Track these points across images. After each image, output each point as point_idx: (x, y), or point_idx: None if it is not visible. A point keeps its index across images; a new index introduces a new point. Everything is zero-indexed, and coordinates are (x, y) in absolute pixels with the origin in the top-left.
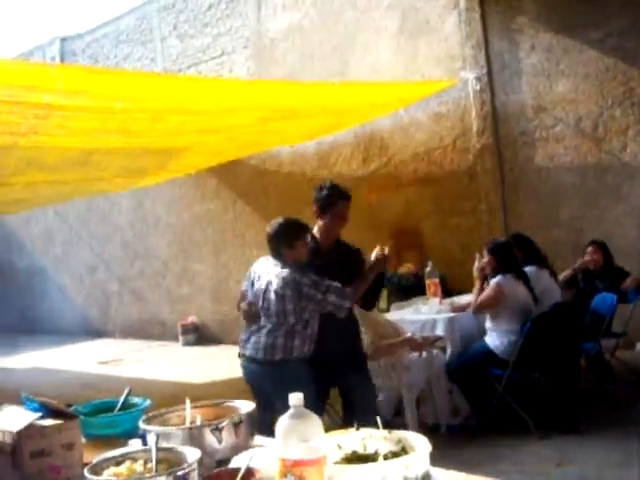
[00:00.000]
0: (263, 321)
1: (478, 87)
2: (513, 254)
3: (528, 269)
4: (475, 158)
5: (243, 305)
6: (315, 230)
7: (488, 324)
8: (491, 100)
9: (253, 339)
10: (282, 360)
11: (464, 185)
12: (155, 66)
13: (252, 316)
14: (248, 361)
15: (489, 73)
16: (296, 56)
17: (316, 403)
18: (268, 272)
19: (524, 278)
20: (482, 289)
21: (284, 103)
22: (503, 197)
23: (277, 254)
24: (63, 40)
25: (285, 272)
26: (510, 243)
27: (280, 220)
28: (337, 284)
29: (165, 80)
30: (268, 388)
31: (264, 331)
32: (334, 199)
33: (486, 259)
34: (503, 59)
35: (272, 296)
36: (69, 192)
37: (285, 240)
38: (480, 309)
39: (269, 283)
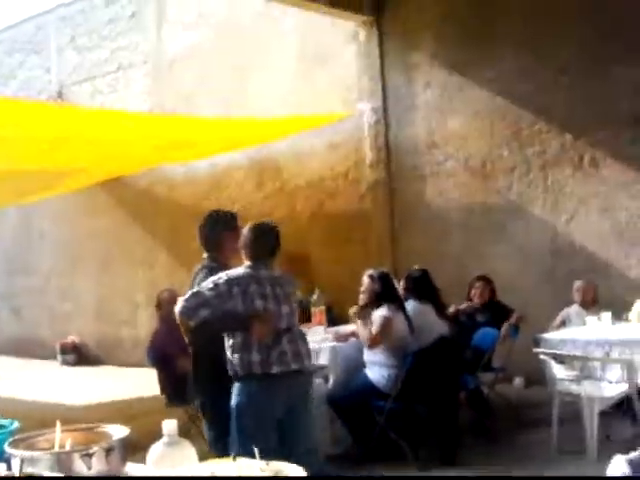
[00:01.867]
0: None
1: (373, 119)
2: (393, 284)
3: (414, 303)
4: (367, 189)
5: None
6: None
7: (367, 357)
8: (385, 133)
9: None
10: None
11: (355, 215)
12: (49, 77)
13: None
14: (292, 376)
15: (384, 106)
16: (194, 76)
17: None
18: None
19: (403, 308)
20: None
21: (179, 134)
22: (393, 229)
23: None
24: None
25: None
26: (387, 274)
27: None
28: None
29: (58, 110)
30: (303, 404)
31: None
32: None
33: (366, 287)
34: (399, 93)
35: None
36: None
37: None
38: (376, 343)
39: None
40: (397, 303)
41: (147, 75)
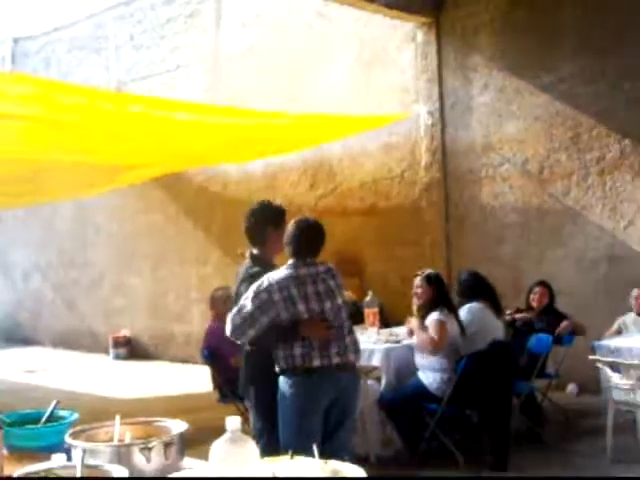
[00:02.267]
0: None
1: (430, 121)
2: (446, 287)
3: (473, 304)
4: (422, 191)
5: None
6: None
7: (419, 361)
8: (441, 135)
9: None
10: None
11: (409, 217)
12: (108, 75)
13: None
14: (335, 370)
15: (441, 108)
16: (251, 76)
17: None
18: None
19: (455, 312)
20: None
21: (235, 131)
22: (447, 231)
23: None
24: (15, 40)
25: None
26: (439, 276)
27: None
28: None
29: (118, 98)
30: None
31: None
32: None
33: (420, 289)
34: (456, 95)
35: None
36: (11, 203)
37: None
38: (439, 347)
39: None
40: (450, 307)
41: (204, 74)
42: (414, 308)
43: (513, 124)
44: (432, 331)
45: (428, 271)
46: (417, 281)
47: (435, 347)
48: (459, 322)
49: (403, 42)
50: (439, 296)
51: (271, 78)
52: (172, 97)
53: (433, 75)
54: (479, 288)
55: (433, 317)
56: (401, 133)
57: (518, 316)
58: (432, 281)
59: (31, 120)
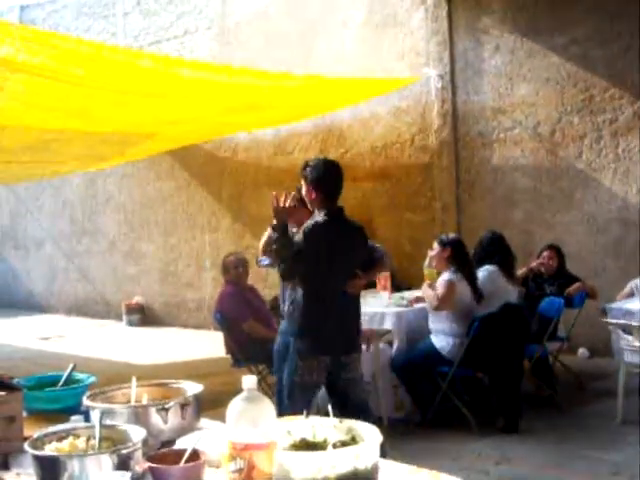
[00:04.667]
0: None
1: (440, 85)
2: (465, 250)
3: (488, 267)
4: (432, 155)
5: None
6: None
7: (432, 325)
8: (452, 99)
9: None
10: None
11: (420, 181)
12: (116, 41)
13: None
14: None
15: (452, 71)
16: (260, 41)
17: None
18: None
19: (470, 276)
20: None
21: (246, 94)
22: (457, 195)
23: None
24: (23, 8)
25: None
26: (459, 239)
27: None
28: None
29: (128, 54)
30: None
31: None
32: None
33: (435, 252)
34: (467, 58)
35: None
36: (22, 174)
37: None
38: (442, 305)
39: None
40: (465, 270)
41: (212, 39)
42: (425, 272)
43: (524, 87)
44: (439, 290)
45: (443, 234)
46: (434, 244)
47: (438, 304)
48: (474, 286)
49: (413, 4)
50: (454, 257)
51: (280, 43)
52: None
53: (444, 38)
54: (495, 251)
55: (443, 277)
56: (411, 97)
57: (533, 265)
58: (444, 243)
59: (38, 71)
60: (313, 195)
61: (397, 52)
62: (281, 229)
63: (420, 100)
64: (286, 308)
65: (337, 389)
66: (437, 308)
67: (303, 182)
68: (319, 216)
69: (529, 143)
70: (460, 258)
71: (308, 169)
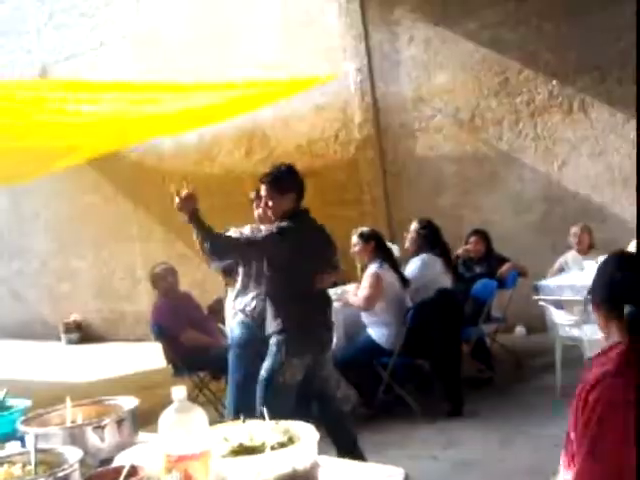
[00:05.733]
0: None
1: (359, 79)
2: (384, 242)
3: (423, 255)
4: (357, 149)
5: None
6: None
7: (366, 319)
8: (371, 91)
9: None
10: None
11: (347, 176)
12: (31, 57)
13: None
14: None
15: (369, 65)
16: (177, 46)
17: None
18: None
19: (395, 265)
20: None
21: (164, 104)
22: (385, 187)
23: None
24: None
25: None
26: (376, 232)
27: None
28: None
29: (38, 85)
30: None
31: None
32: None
33: (359, 247)
34: (383, 50)
35: None
36: None
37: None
38: (370, 304)
39: None
40: (388, 261)
41: (128, 49)
42: (358, 267)
43: (441, 74)
44: (366, 286)
45: (361, 229)
46: (353, 239)
47: (367, 303)
48: (400, 274)
49: (325, 2)
50: (378, 249)
51: (196, 48)
52: (97, 76)
53: (358, 32)
54: (436, 240)
55: (369, 271)
56: (332, 93)
57: (459, 252)
58: (366, 237)
59: None
60: (281, 200)
61: (314, 49)
62: (194, 219)
63: (340, 95)
64: (250, 307)
65: (313, 387)
66: (366, 308)
67: (268, 189)
68: (289, 220)
69: (450, 130)
70: (383, 249)
71: (273, 176)
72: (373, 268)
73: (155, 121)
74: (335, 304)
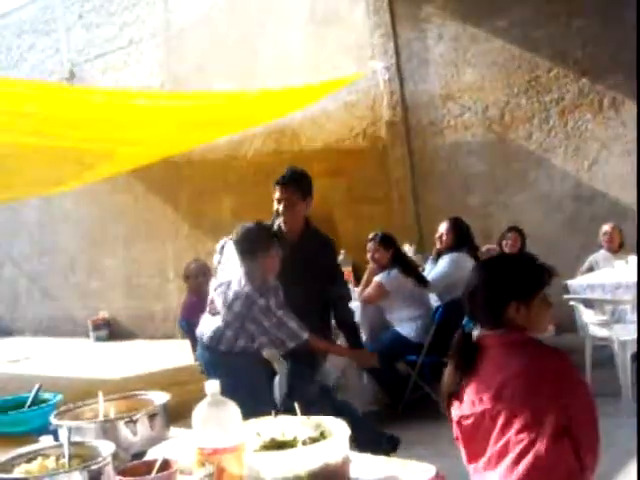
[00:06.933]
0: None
1: (387, 76)
2: (398, 245)
3: (454, 254)
4: (385, 147)
5: None
6: (280, 221)
7: (390, 316)
8: (400, 89)
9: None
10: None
11: (375, 174)
12: (60, 57)
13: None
14: (203, 348)
15: (398, 62)
16: (204, 47)
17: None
18: (234, 268)
19: (410, 269)
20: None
21: (199, 113)
22: (413, 185)
23: (249, 259)
24: None
25: (244, 288)
26: (390, 236)
27: (251, 224)
28: (291, 322)
29: (80, 93)
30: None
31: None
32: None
33: (378, 254)
34: (411, 48)
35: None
36: None
37: (262, 244)
38: (368, 302)
39: (230, 282)
40: (403, 266)
41: (157, 48)
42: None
43: (470, 72)
44: (368, 290)
45: (379, 233)
46: (371, 245)
47: (365, 300)
48: (416, 276)
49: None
50: (395, 256)
51: (225, 47)
52: (127, 75)
53: (387, 30)
54: (464, 238)
55: (376, 279)
56: (360, 91)
57: (491, 247)
58: (387, 244)
59: None
60: (303, 204)
61: (342, 47)
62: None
63: (369, 93)
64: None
65: None
66: (364, 303)
67: (292, 191)
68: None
69: (479, 128)
70: (400, 254)
71: (295, 179)
72: (378, 277)
73: (190, 131)
74: (355, 303)
